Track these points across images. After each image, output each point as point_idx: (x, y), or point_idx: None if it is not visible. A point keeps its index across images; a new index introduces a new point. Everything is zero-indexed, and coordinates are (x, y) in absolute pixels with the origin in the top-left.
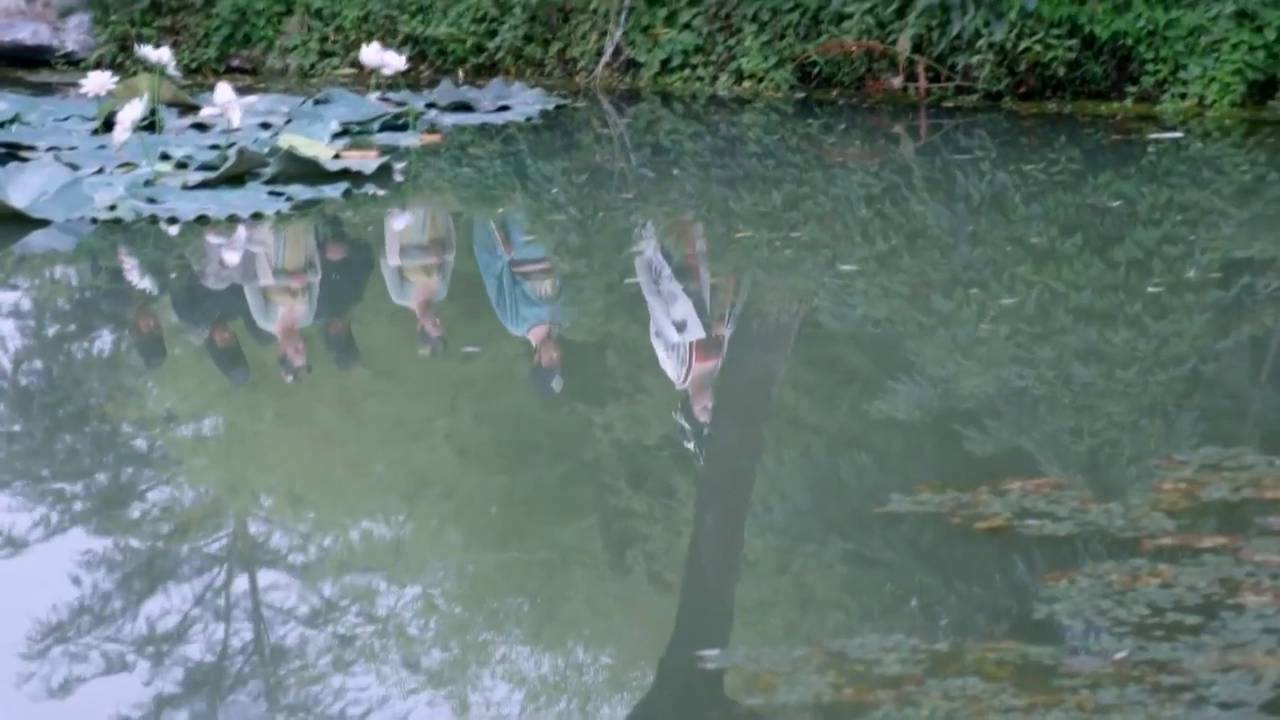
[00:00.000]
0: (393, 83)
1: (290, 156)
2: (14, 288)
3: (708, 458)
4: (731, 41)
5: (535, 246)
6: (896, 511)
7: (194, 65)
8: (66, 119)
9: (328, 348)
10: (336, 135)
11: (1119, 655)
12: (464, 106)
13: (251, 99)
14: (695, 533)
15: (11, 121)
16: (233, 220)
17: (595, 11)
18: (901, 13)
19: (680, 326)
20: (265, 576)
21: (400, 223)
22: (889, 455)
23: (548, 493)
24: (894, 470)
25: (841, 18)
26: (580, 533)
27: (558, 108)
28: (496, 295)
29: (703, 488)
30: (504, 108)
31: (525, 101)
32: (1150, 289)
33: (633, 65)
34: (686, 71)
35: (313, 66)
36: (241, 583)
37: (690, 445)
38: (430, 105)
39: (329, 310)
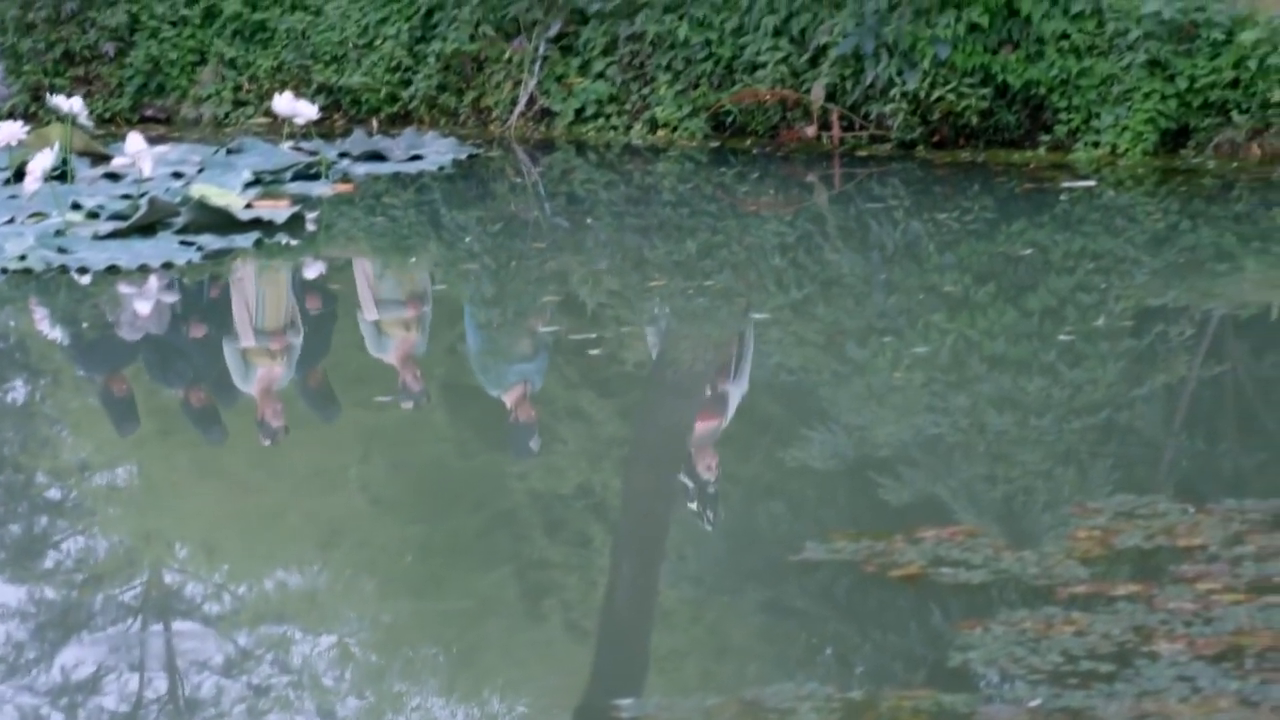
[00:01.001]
0: (306, 132)
1: (202, 206)
2: None
3: (622, 507)
4: (645, 90)
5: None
6: (812, 559)
7: (107, 115)
8: None
9: (307, 401)
10: (249, 185)
11: (1033, 703)
12: (377, 156)
13: (163, 148)
14: (611, 581)
15: None
16: (144, 270)
17: (509, 61)
18: (815, 62)
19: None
20: (180, 626)
21: (371, 276)
22: (804, 503)
23: (464, 542)
24: (809, 518)
25: (755, 67)
26: (496, 582)
27: (470, 157)
28: (477, 358)
29: (618, 537)
30: (417, 157)
31: (438, 151)
32: (1064, 337)
33: (547, 114)
34: (601, 120)
35: (226, 116)
36: (156, 633)
37: (695, 505)
38: (343, 154)
39: (305, 363)
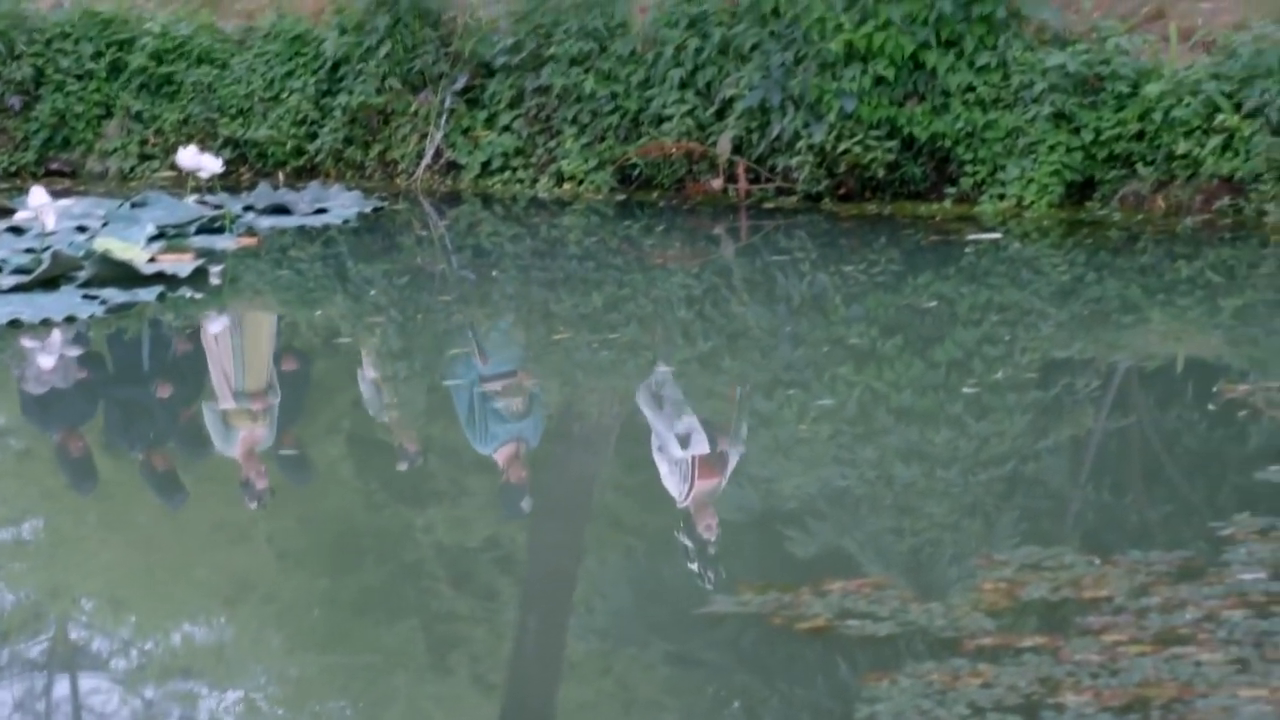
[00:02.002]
0: (211, 185)
1: (105, 260)
2: None
3: (529, 560)
4: (552, 144)
5: (503, 361)
6: (718, 612)
7: (13, 168)
8: None
9: (280, 465)
10: (153, 238)
11: None
12: (282, 209)
13: (67, 202)
14: (518, 635)
15: None
16: (46, 324)
17: (416, 114)
18: (721, 115)
19: (684, 440)
20: (86, 681)
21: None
22: (711, 556)
23: (370, 595)
24: (716, 571)
25: (661, 120)
26: (403, 635)
27: (376, 210)
28: (467, 415)
29: (525, 590)
30: (321, 210)
31: (343, 204)
32: (970, 389)
33: (453, 167)
34: (507, 174)
35: (132, 170)
36: (62, 687)
37: (695, 566)
38: (248, 208)
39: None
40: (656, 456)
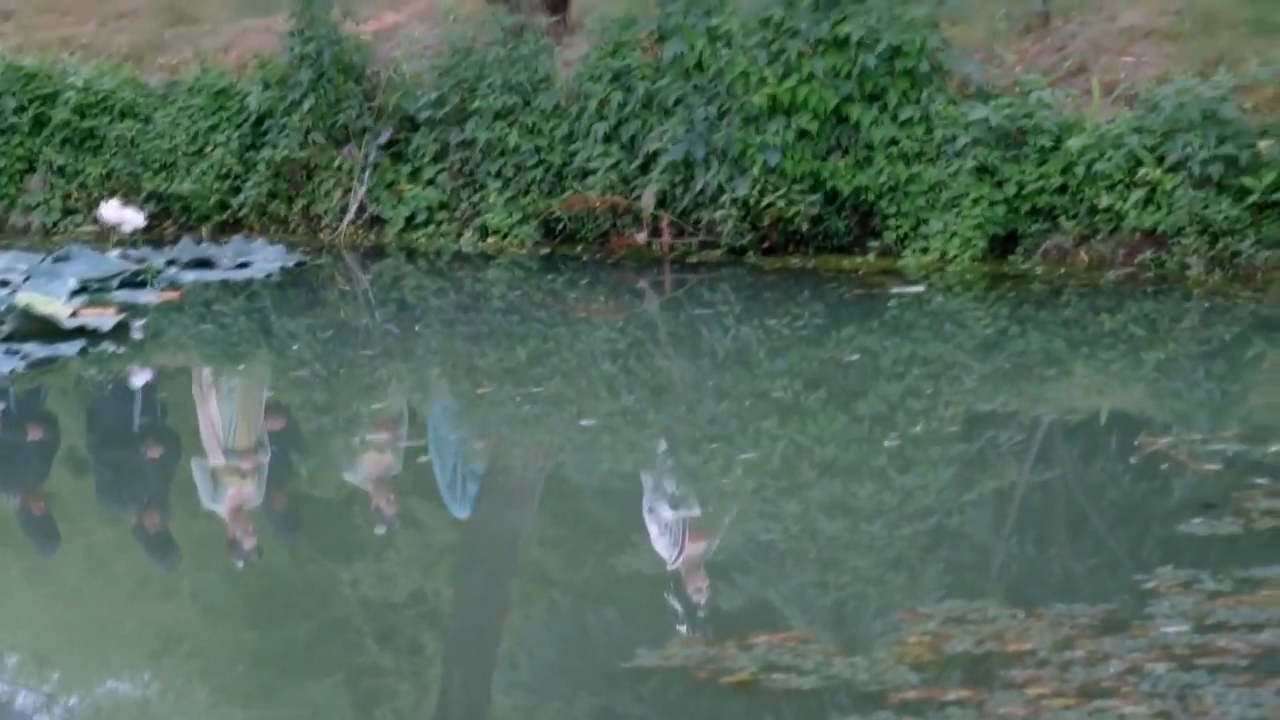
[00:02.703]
0: (134, 239)
1: (26, 314)
2: None
3: (454, 614)
4: (476, 198)
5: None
6: (644, 666)
7: None
8: None
9: (274, 524)
10: (75, 293)
11: None
12: (205, 263)
13: None
14: (443, 689)
15: None
16: None
17: (339, 168)
18: (645, 169)
19: (677, 502)
20: None
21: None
22: (636, 610)
23: (296, 650)
24: (641, 625)
25: (586, 173)
26: (328, 690)
27: (299, 264)
28: (449, 479)
29: (450, 645)
30: (244, 264)
31: (266, 258)
32: (894, 442)
33: (377, 221)
34: (431, 228)
35: (55, 224)
36: None
37: (685, 629)
38: (170, 262)
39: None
40: (647, 518)
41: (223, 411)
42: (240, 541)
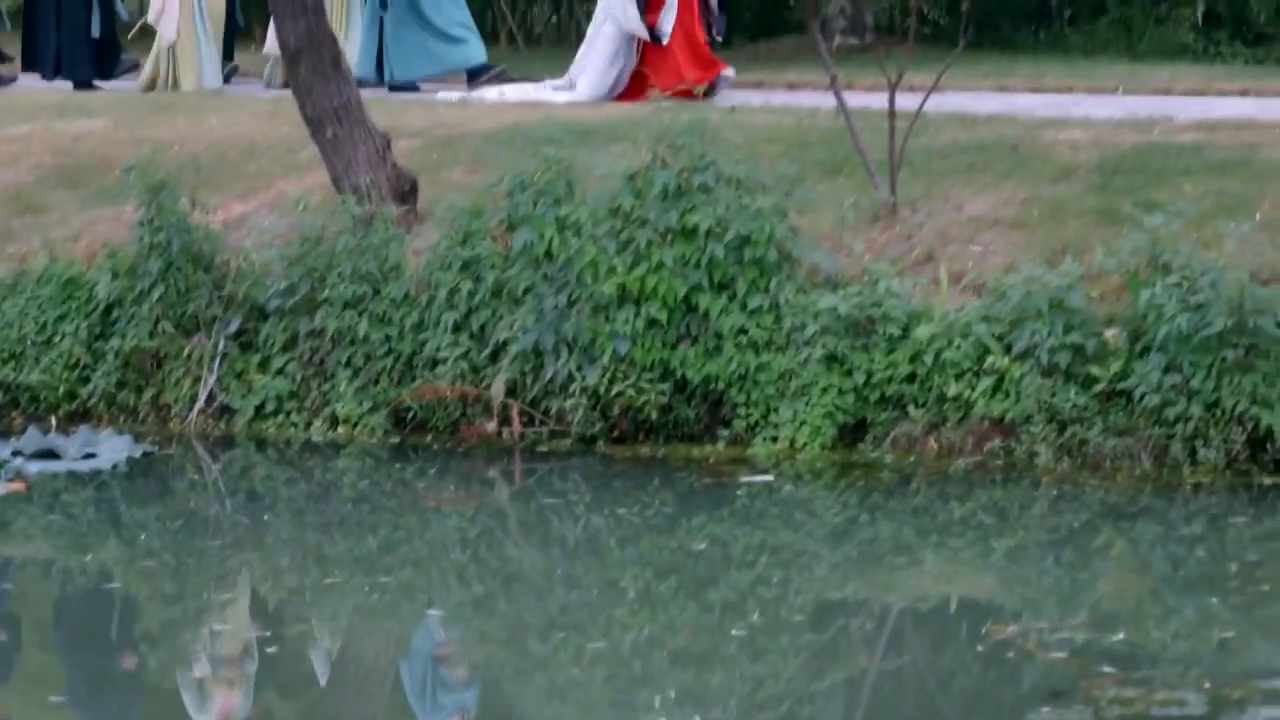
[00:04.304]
0: None
1: None
2: None
3: None
4: (326, 386)
5: (452, 628)
6: None
7: None
8: None
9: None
10: None
11: None
12: (51, 454)
13: None
14: None
15: None
16: None
17: (189, 357)
18: (495, 357)
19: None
20: None
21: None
22: None
23: None
24: None
25: (435, 362)
26: None
27: (146, 454)
28: (419, 690)
29: None
30: (91, 455)
31: (114, 448)
32: (744, 631)
33: (227, 411)
34: (281, 417)
35: None
36: None
37: None
38: (16, 453)
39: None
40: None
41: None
42: None
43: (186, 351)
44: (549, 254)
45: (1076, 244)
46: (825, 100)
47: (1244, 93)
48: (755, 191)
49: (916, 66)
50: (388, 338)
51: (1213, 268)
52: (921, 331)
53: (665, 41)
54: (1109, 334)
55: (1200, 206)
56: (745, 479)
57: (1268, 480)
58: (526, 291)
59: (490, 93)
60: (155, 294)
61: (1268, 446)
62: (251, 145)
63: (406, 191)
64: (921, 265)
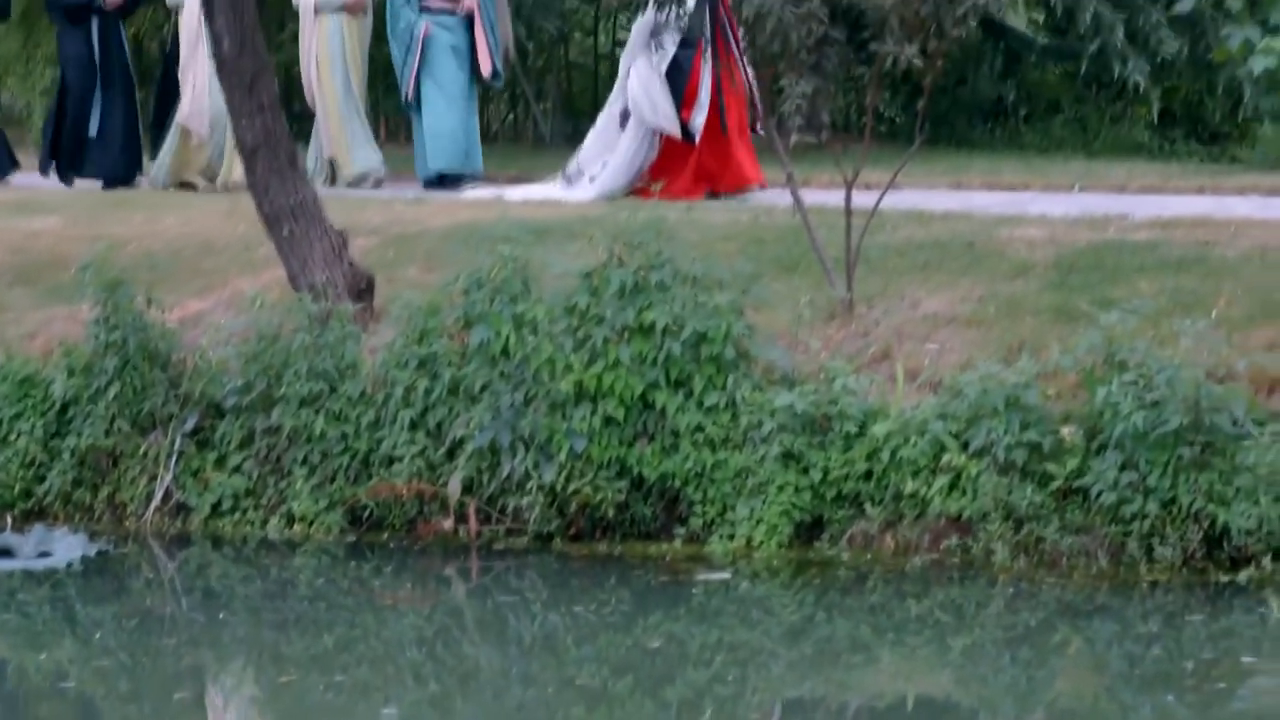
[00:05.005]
0: None
1: None
2: None
3: None
4: (282, 484)
5: None
6: None
7: None
8: None
9: None
10: None
11: None
12: (5, 552)
13: None
14: None
15: None
16: None
17: (145, 455)
18: (452, 455)
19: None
20: None
21: None
22: None
23: None
24: None
25: (392, 460)
26: None
27: (102, 553)
28: None
29: None
30: (46, 554)
31: (69, 547)
32: None
33: (183, 509)
34: (237, 515)
35: None
36: None
37: None
38: None
39: None
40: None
41: None
42: None
43: (143, 449)
44: (505, 352)
45: (1033, 341)
46: (782, 198)
47: (1200, 190)
48: (712, 289)
49: (873, 164)
50: (344, 435)
51: (1168, 365)
52: (878, 429)
53: (696, 140)
54: (1065, 432)
55: (1156, 304)
56: (702, 577)
57: (1224, 578)
58: (483, 389)
59: (515, 193)
60: (111, 392)
61: (1224, 544)
62: (208, 243)
63: (363, 289)
64: (878, 363)
